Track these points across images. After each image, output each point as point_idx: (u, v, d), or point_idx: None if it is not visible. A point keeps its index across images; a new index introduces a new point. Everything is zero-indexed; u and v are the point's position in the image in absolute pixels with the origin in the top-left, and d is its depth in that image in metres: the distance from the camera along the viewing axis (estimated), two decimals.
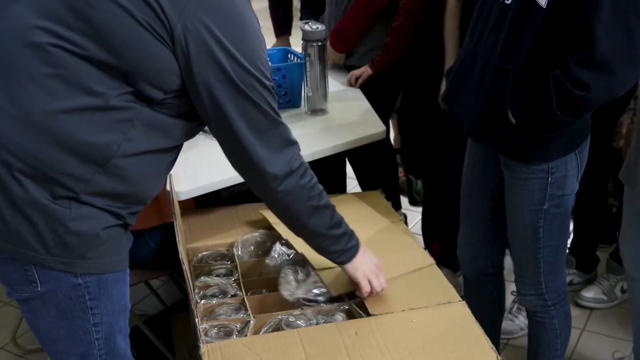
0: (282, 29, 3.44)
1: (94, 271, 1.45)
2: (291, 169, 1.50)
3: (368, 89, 2.75)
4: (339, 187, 2.99)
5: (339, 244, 1.64)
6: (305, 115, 2.50)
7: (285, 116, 2.47)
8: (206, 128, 1.55)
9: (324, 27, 2.43)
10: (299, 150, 1.55)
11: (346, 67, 2.92)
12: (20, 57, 1.33)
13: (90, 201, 1.40)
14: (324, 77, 2.47)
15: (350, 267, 1.67)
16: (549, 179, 1.89)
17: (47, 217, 1.38)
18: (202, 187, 2.03)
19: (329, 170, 2.90)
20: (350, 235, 1.66)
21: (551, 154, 1.87)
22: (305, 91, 2.50)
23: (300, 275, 1.79)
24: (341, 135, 2.33)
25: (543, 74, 1.73)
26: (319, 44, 2.43)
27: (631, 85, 1.75)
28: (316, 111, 2.50)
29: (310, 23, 2.44)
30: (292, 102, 2.57)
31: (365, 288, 1.67)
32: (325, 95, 2.50)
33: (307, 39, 2.43)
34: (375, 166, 3.08)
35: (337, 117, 2.48)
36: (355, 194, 2.46)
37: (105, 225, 1.44)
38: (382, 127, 2.38)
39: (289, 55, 2.67)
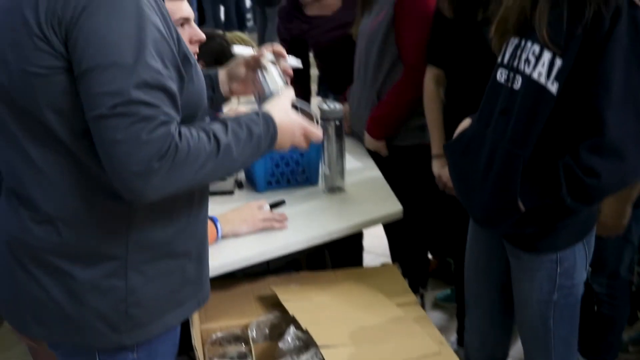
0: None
1: (155, 332, 1.47)
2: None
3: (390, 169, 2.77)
4: (355, 261, 2.98)
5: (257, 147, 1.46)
6: (322, 194, 2.51)
7: (303, 194, 2.52)
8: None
9: (341, 106, 2.45)
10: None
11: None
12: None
13: (141, 259, 1.41)
14: (341, 156, 2.48)
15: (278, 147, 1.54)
16: (558, 269, 1.86)
17: (105, 297, 1.40)
18: (214, 269, 2.01)
19: (345, 246, 2.89)
20: (256, 131, 1.45)
21: (559, 244, 1.85)
22: (322, 169, 2.51)
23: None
24: (358, 214, 2.32)
25: (553, 160, 1.71)
26: (336, 122, 2.44)
27: None
28: (333, 189, 2.50)
29: (327, 102, 2.47)
30: (309, 179, 2.57)
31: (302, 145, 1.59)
32: (342, 174, 2.51)
33: (324, 117, 2.45)
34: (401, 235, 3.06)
35: (354, 196, 2.48)
36: (370, 269, 2.45)
37: (164, 283, 1.45)
38: (399, 207, 2.37)
39: None
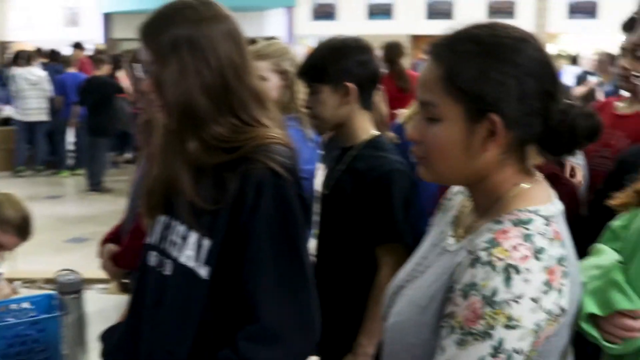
0: None
1: None
2: None
3: None
4: None
5: None
6: None
7: None
8: None
9: (78, 277, 2.20)
10: None
11: None
12: None
13: None
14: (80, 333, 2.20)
15: None
16: None
17: None
18: None
19: None
20: None
21: None
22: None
23: None
24: None
25: (213, 353, 1.50)
26: (76, 295, 2.17)
27: (309, 353, 1.57)
28: None
29: (63, 273, 2.20)
30: None
31: None
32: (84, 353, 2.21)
33: (62, 291, 2.18)
34: None
35: None
36: None
37: None
38: None
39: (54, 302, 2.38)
